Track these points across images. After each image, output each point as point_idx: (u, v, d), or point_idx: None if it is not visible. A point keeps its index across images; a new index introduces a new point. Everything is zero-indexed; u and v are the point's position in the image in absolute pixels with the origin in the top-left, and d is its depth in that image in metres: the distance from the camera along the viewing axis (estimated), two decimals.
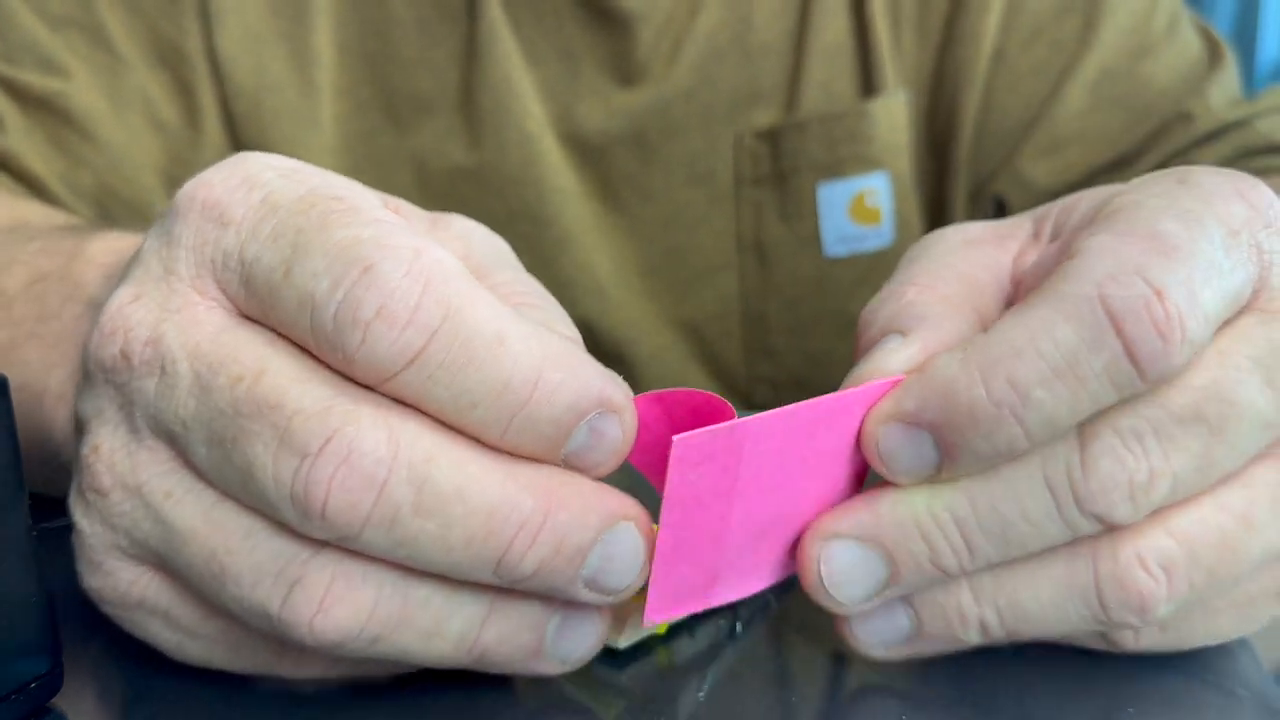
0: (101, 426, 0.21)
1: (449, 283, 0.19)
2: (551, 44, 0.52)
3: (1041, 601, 0.21)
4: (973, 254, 0.24)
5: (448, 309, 0.19)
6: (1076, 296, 0.19)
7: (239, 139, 0.50)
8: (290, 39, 0.50)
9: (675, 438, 0.19)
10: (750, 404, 0.55)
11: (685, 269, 0.54)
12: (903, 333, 0.22)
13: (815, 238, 0.53)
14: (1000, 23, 0.52)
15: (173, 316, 0.20)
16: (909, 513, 0.21)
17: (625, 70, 0.52)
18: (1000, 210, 0.53)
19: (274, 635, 0.20)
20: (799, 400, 0.21)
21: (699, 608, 0.23)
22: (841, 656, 0.25)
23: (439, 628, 0.20)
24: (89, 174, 0.48)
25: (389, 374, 0.19)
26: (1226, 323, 0.20)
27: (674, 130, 0.52)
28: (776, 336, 0.55)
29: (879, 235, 0.53)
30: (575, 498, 0.20)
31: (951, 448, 0.20)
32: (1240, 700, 0.23)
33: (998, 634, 0.22)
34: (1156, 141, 0.50)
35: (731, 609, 0.27)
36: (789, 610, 0.27)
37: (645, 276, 0.54)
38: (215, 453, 0.20)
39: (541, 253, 0.52)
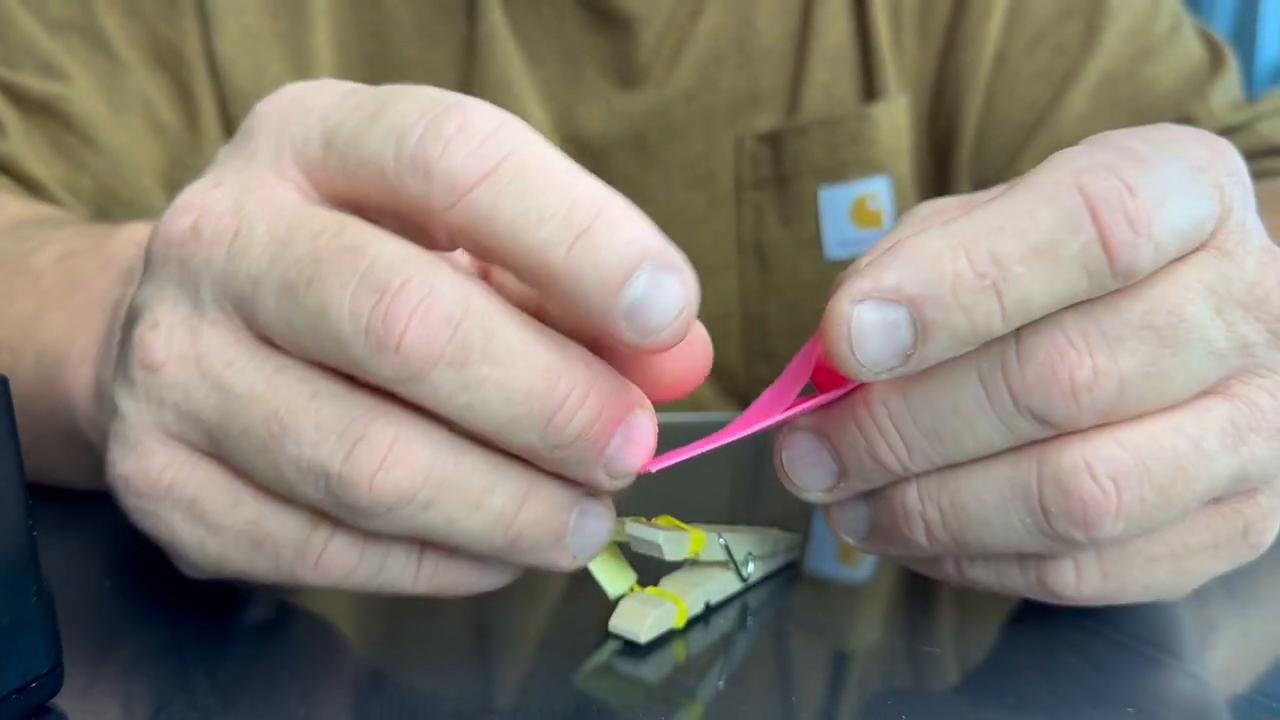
0: (160, 304, 0.22)
1: (526, 129, 0.20)
2: (552, 46, 0.52)
3: (984, 504, 0.21)
4: (935, 220, 0.24)
5: (522, 139, 0.20)
6: (1055, 183, 0.19)
7: None
8: (289, 40, 0.50)
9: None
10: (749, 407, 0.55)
11: None
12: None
13: (816, 241, 0.53)
14: (1002, 27, 0.52)
15: (252, 194, 0.21)
16: (847, 406, 0.22)
17: (626, 72, 0.52)
18: None
19: (327, 502, 0.20)
20: (795, 401, 0.22)
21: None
22: (842, 655, 0.25)
23: (483, 499, 0.21)
24: (89, 177, 0.48)
25: (465, 188, 0.19)
26: (1184, 258, 0.21)
27: (674, 132, 0.52)
28: (776, 339, 0.55)
29: (879, 239, 0.53)
30: (614, 376, 0.21)
31: (929, 325, 0.20)
32: (1238, 699, 0.23)
33: (941, 536, 0.22)
34: None
35: (742, 601, 0.27)
36: (790, 609, 0.27)
37: None
38: (286, 301, 0.20)
39: None
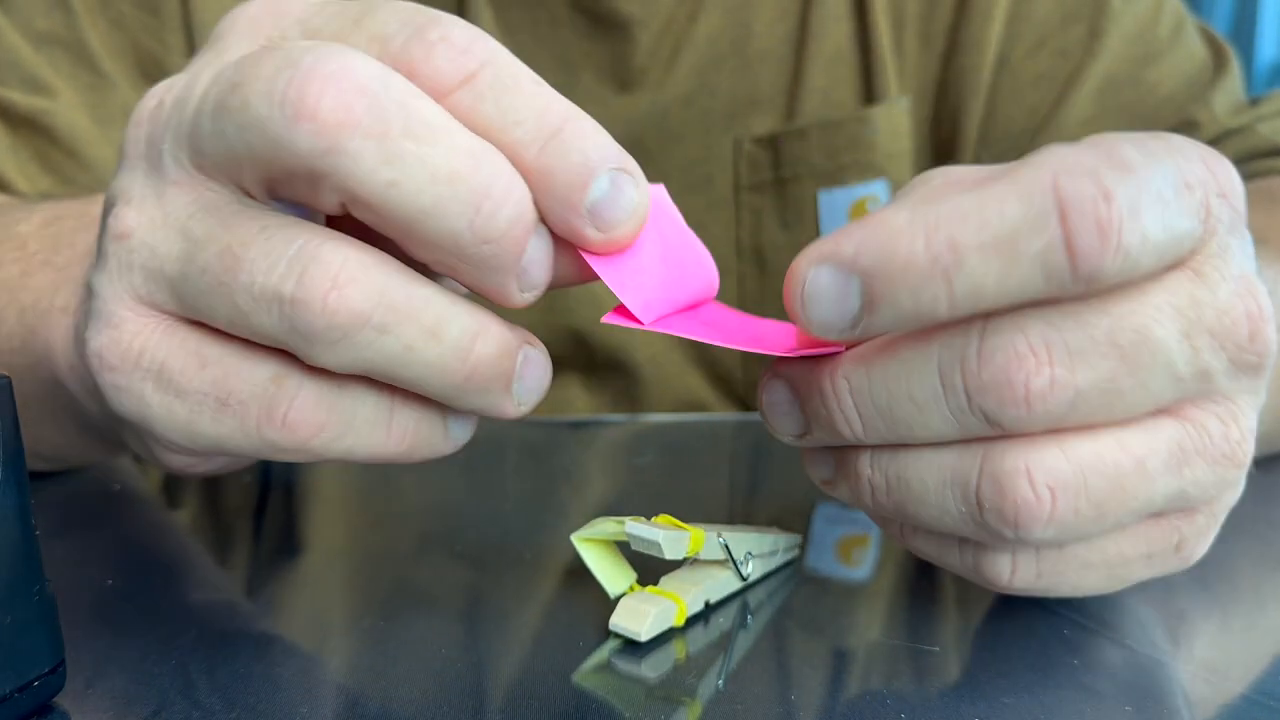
0: (132, 183, 0.23)
1: (498, 43, 0.22)
2: (548, 51, 0.52)
3: (925, 484, 0.22)
4: (948, 190, 0.24)
5: (496, 50, 0.21)
6: (1032, 179, 0.19)
7: None
8: None
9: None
10: (748, 409, 0.55)
11: None
12: None
13: None
14: (1004, 30, 0.52)
15: (209, 64, 0.22)
16: (815, 370, 0.22)
17: (623, 76, 0.52)
18: None
19: (282, 331, 0.21)
20: None
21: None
22: (842, 655, 0.25)
23: (440, 328, 0.21)
24: (74, 191, 0.49)
25: (446, 89, 0.21)
26: (1157, 276, 0.21)
27: (672, 136, 0.53)
28: None
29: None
30: (523, 184, 0.21)
31: (876, 298, 0.20)
32: (1237, 699, 0.23)
33: (884, 502, 0.23)
34: None
35: (741, 600, 0.27)
36: (790, 608, 0.27)
37: None
38: (219, 117, 0.21)
39: None
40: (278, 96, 0.20)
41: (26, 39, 0.48)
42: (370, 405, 0.23)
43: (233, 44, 0.23)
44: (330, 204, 0.21)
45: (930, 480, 0.22)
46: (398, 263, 0.21)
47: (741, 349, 0.23)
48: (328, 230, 0.21)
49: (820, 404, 0.22)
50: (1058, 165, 0.19)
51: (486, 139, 0.21)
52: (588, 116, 0.22)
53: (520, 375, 0.23)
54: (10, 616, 0.21)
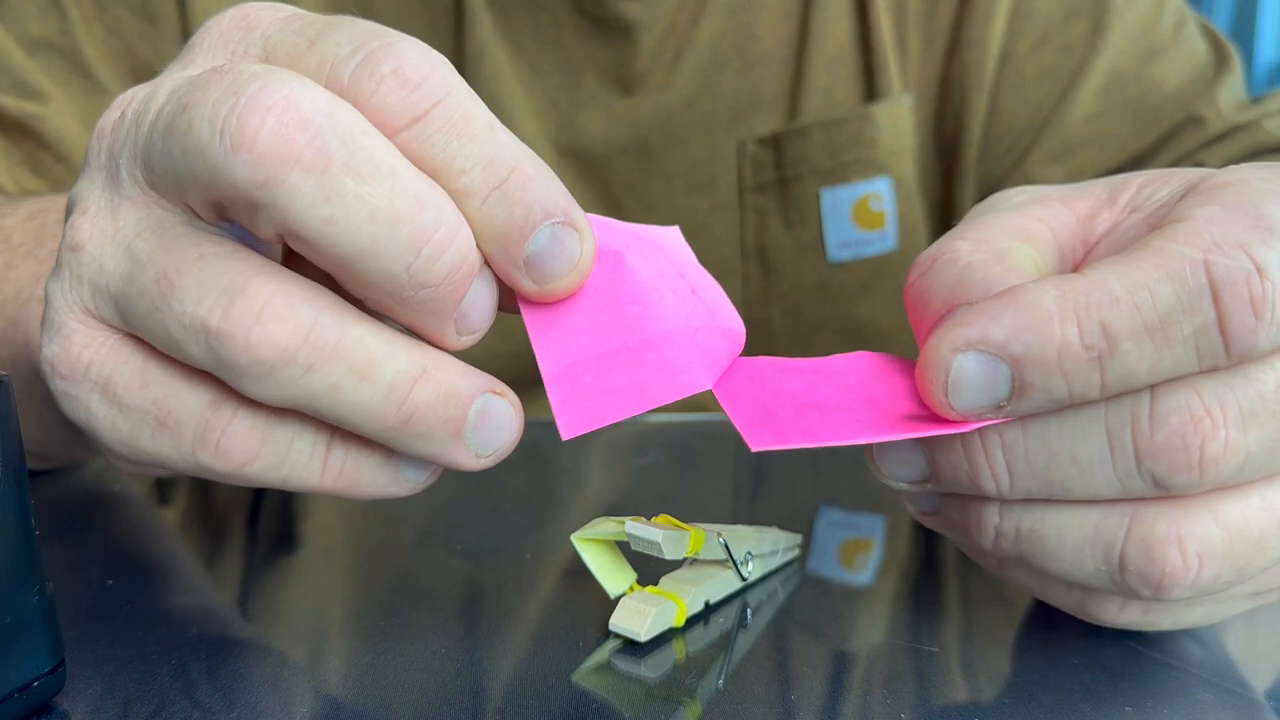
0: (91, 193, 0.23)
1: (454, 74, 0.21)
2: (551, 55, 0.52)
3: (1063, 540, 0.21)
4: (1034, 208, 0.24)
5: (451, 88, 0.20)
6: (1181, 256, 0.19)
7: None
8: None
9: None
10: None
11: None
12: (971, 304, 0.21)
13: (819, 243, 0.53)
14: (1007, 27, 0.51)
15: (172, 77, 0.22)
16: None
17: (626, 79, 0.52)
18: None
19: (209, 362, 0.20)
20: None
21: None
22: (842, 655, 0.25)
23: (372, 370, 0.21)
24: (64, 194, 0.49)
25: (394, 128, 0.20)
26: None
27: (676, 138, 0.52)
28: (779, 342, 0.55)
29: (882, 240, 0.53)
30: (468, 230, 0.21)
31: (1027, 385, 0.20)
32: (1237, 699, 0.23)
33: (1009, 549, 0.22)
34: (1166, 145, 0.50)
35: (741, 600, 0.27)
36: (790, 609, 0.27)
37: None
38: (168, 138, 0.20)
39: None
40: (219, 124, 0.19)
41: (20, 44, 0.49)
42: (307, 439, 0.22)
43: (199, 57, 0.23)
44: (268, 234, 0.20)
45: (1069, 537, 0.21)
46: (333, 298, 0.21)
47: (857, 441, 0.21)
48: (264, 263, 0.20)
49: (962, 458, 0.21)
50: (1207, 240, 0.19)
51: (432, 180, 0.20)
52: (538, 163, 0.21)
53: (476, 425, 0.22)
54: (10, 617, 0.21)
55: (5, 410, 0.21)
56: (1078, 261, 0.24)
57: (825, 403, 0.22)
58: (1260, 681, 0.24)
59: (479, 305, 0.22)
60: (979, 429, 0.21)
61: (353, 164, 0.19)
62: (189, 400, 0.22)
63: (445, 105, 0.20)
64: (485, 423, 0.22)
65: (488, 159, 0.20)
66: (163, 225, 0.22)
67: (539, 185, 0.21)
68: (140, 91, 0.23)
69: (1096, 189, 0.25)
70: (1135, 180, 0.24)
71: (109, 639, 0.26)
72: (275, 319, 0.20)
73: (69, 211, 0.23)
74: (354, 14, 0.23)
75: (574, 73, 0.52)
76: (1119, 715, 0.22)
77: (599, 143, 0.52)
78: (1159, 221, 0.22)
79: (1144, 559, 0.20)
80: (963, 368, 0.20)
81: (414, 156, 0.20)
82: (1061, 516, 0.21)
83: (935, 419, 0.21)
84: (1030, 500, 0.21)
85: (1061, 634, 0.26)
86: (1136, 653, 0.25)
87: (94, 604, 0.28)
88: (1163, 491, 0.20)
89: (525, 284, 0.21)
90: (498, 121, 0.21)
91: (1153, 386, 0.20)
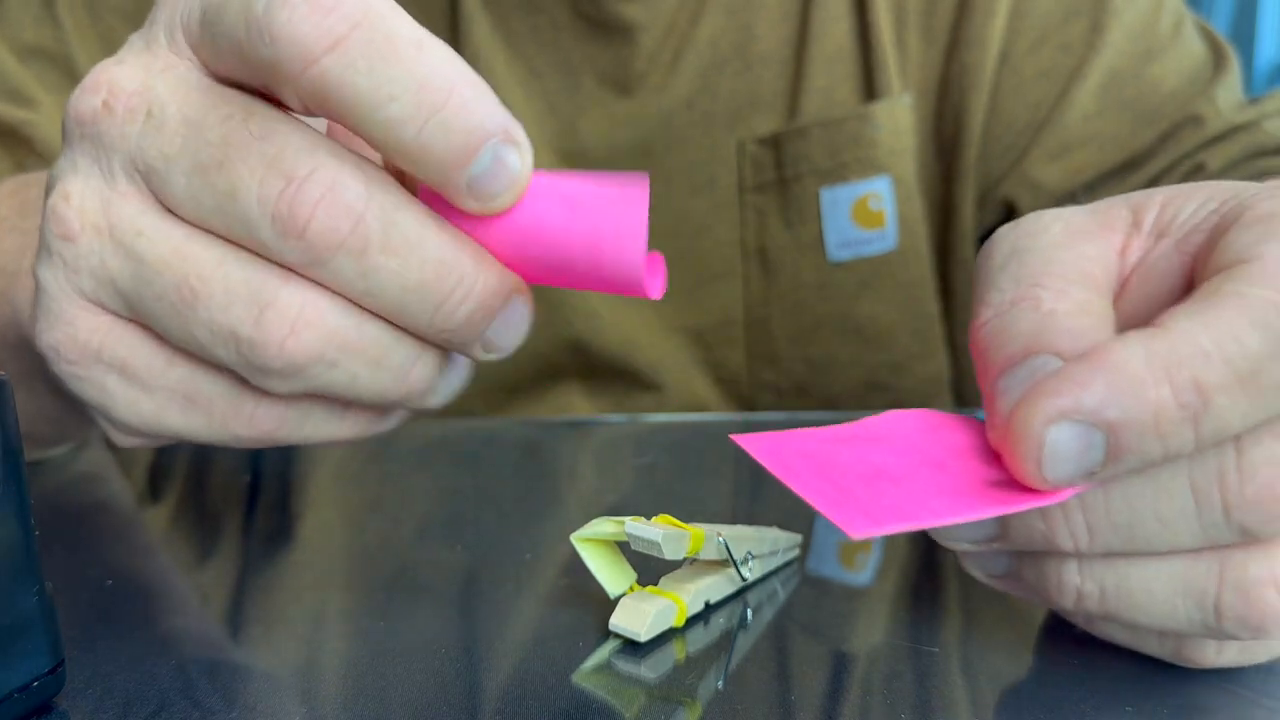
0: (74, 176, 0.23)
1: None
2: (550, 58, 0.52)
3: (1153, 594, 0.21)
4: (1084, 247, 0.23)
5: (368, 7, 0.20)
6: (1264, 301, 0.19)
7: None
8: None
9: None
10: (753, 410, 0.55)
11: (689, 277, 0.54)
12: (1058, 354, 0.21)
13: (818, 242, 0.53)
14: (1006, 26, 0.51)
15: (160, 74, 0.22)
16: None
17: (625, 81, 0.52)
18: (1009, 213, 0.53)
19: (238, 364, 0.22)
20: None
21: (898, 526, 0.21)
22: (842, 655, 0.25)
23: (383, 359, 0.22)
24: None
25: (312, 57, 0.20)
26: None
27: (676, 139, 0.52)
28: (780, 343, 0.55)
29: (882, 239, 0.53)
30: (496, 267, 0.22)
31: (1121, 449, 0.19)
32: (1237, 698, 0.23)
33: (1094, 609, 0.22)
34: (1165, 144, 0.50)
35: (741, 600, 0.27)
36: (791, 609, 0.27)
37: None
38: (196, 181, 0.21)
39: None
40: (269, 209, 0.20)
41: (13, 51, 0.49)
42: (326, 402, 0.24)
43: (161, 26, 0.23)
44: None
45: (1158, 590, 0.21)
46: (348, 304, 0.22)
47: (961, 519, 0.20)
48: (285, 271, 0.21)
49: (1039, 518, 0.21)
50: None
51: (359, 113, 0.20)
52: (471, 79, 0.21)
53: (445, 382, 0.24)
54: (9, 617, 0.21)
55: (5, 410, 0.21)
56: (1115, 295, 0.23)
57: (890, 472, 0.21)
58: (1260, 681, 0.24)
59: (503, 333, 0.23)
60: None
61: (389, 243, 0.21)
62: (219, 378, 0.23)
63: (364, 28, 0.20)
64: (450, 378, 0.24)
65: (419, 83, 0.20)
66: (166, 226, 0.22)
67: (478, 107, 0.20)
68: (123, 78, 0.22)
69: (1121, 213, 0.24)
70: (1156, 199, 0.24)
71: (109, 639, 0.26)
72: (308, 328, 0.21)
73: (49, 190, 0.23)
74: None
75: (573, 75, 0.52)
76: (1119, 715, 0.22)
77: (599, 145, 0.52)
78: (1194, 247, 0.22)
79: (1241, 604, 0.20)
80: (1058, 440, 0.19)
81: (337, 85, 0.20)
82: (1147, 570, 0.21)
83: (1019, 486, 0.20)
84: (1110, 555, 0.21)
85: (1061, 634, 0.26)
86: (1136, 653, 0.25)
87: (94, 604, 0.28)
88: (1250, 539, 0.20)
89: (469, 205, 0.21)
90: (428, 37, 0.20)
91: (1236, 438, 0.19)
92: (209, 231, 0.22)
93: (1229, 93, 0.50)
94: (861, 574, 0.31)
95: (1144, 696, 0.23)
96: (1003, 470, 0.21)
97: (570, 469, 0.41)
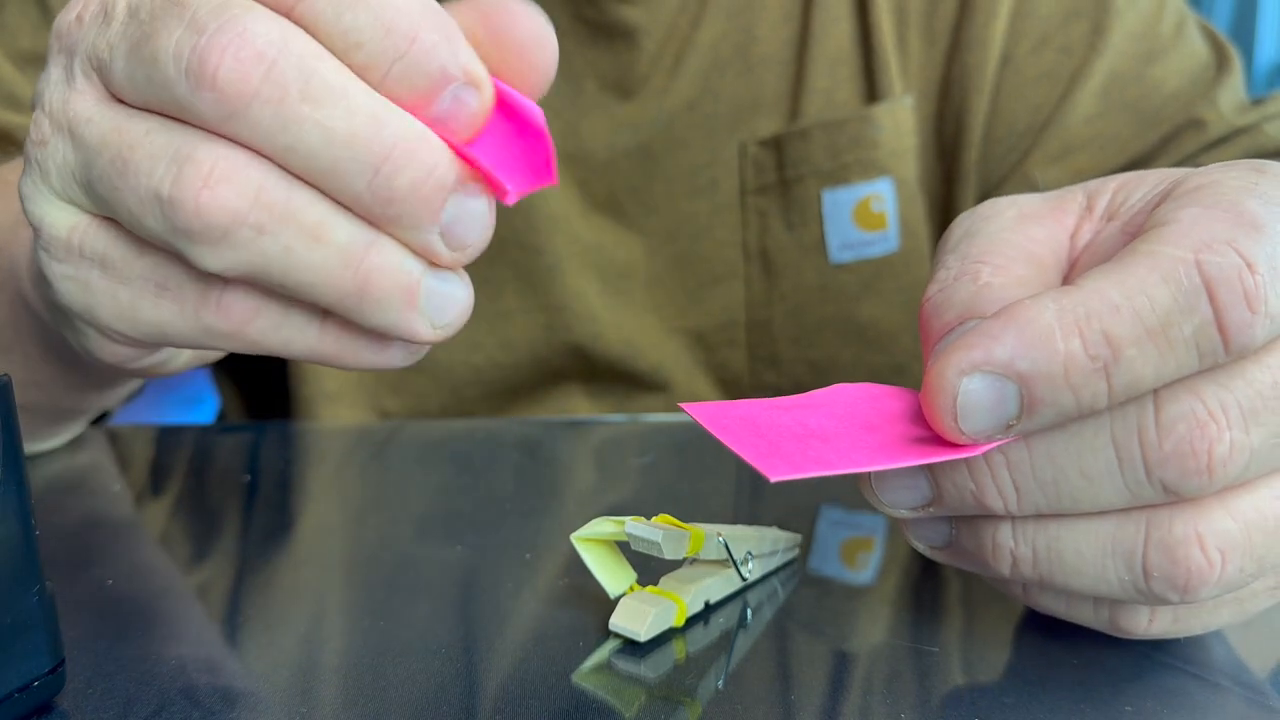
0: (47, 88, 0.24)
1: None
2: None
3: (1082, 555, 0.21)
4: (1033, 229, 0.24)
5: None
6: (1173, 259, 0.19)
7: None
8: None
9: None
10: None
11: (691, 279, 0.54)
12: (983, 317, 0.21)
13: (820, 244, 0.53)
14: (1007, 28, 0.51)
15: None
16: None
17: (627, 84, 0.52)
18: None
19: (165, 231, 0.21)
20: None
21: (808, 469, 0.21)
22: (842, 655, 0.25)
23: (324, 232, 0.21)
24: None
25: (288, 6, 0.20)
26: None
27: (677, 142, 0.52)
28: (782, 345, 0.55)
29: (884, 241, 0.53)
30: (445, 145, 0.21)
31: (1036, 402, 0.19)
32: (1237, 698, 0.23)
33: (1028, 572, 0.22)
34: (1167, 147, 0.50)
35: (741, 600, 0.27)
36: (791, 609, 0.27)
37: (650, 288, 0.54)
38: (132, 60, 0.21)
39: (532, 279, 0.52)
40: (183, 64, 0.20)
41: (10, 58, 0.49)
42: (302, 305, 0.23)
43: None
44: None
45: (1088, 551, 0.21)
46: (271, 162, 0.21)
47: (874, 468, 0.21)
48: (209, 133, 0.21)
49: (968, 478, 0.21)
50: (1195, 240, 0.19)
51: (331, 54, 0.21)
52: (437, 19, 0.21)
53: (430, 291, 0.22)
54: (10, 617, 0.21)
55: (5, 410, 0.21)
56: (1065, 277, 0.24)
57: (823, 432, 0.22)
58: (1259, 681, 0.24)
59: (465, 221, 0.21)
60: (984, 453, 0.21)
61: (308, 90, 0.20)
62: (186, 264, 0.22)
63: None
64: (438, 289, 0.22)
65: (385, 28, 0.20)
66: (111, 111, 0.22)
67: (441, 50, 0.21)
68: None
69: (1076, 197, 0.25)
70: (1110, 185, 0.25)
71: (109, 639, 0.26)
72: (223, 180, 0.20)
73: (32, 108, 0.24)
74: None
75: (574, 79, 0.52)
76: (1119, 715, 0.22)
77: (601, 148, 0.52)
78: (1136, 229, 0.22)
79: (1167, 562, 0.20)
80: (970, 391, 0.20)
81: (310, 30, 0.21)
82: (1076, 531, 0.21)
83: (942, 443, 0.21)
84: (1041, 517, 0.21)
85: (1061, 634, 0.26)
86: (1136, 653, 0.25)
87: (94, 604, 0.28)
88: (1173, 497, 0.20)
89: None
90: None
91: (1155, 393, 0.20)
92: (147, 110, 0.22)
93: (1231, 94, 0.50)
94: (861, 574, 0.31)
95: (1144, 696, 0.23)
96: (930, 431, 0.21)
97: (570, 469, 0.41)
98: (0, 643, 0.21)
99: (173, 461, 0.42)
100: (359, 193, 0.21)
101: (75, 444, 0.43)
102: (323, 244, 0.21)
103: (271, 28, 0.20)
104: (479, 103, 0.21)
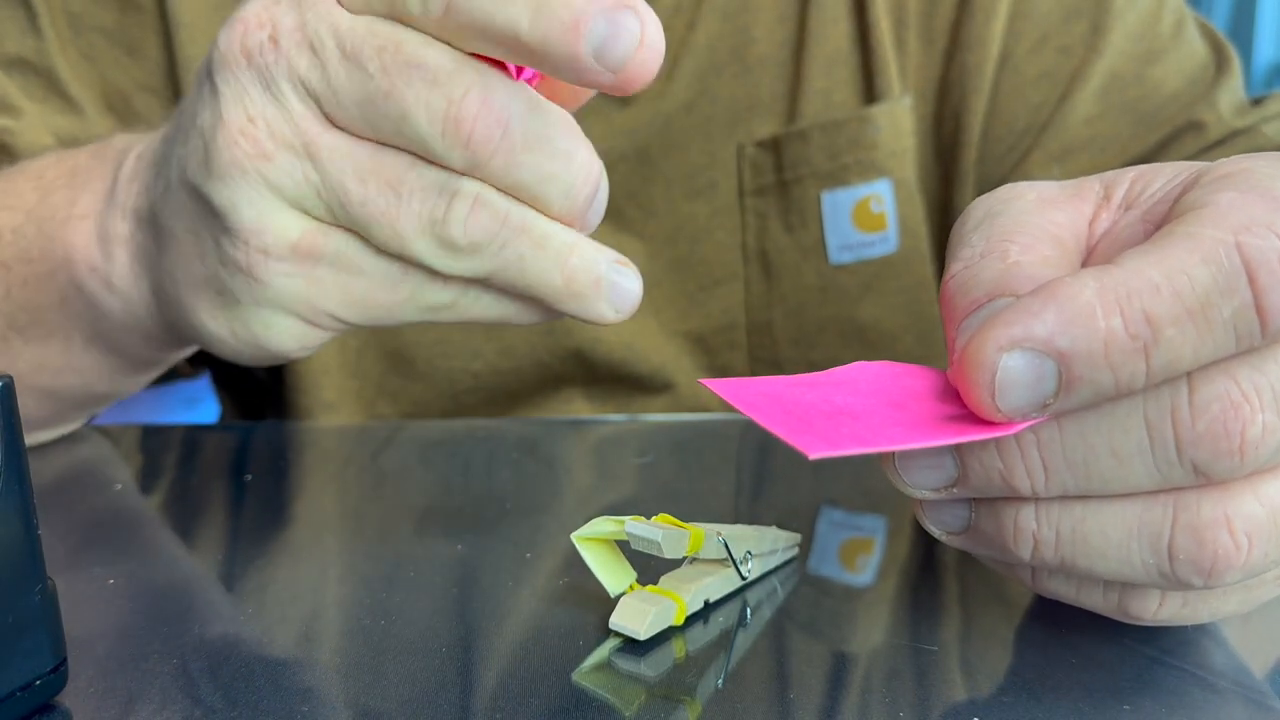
0: (250, 102, 0.26)
1: None
2: None
3: (1107, 537, 0.21)
4: (1053, 213, 0.24)
5: None
6: (1214, 240, 0.19)
7: None
8: None
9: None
10: None
11: (691, 282, 0.54)
12: (1015, 296, 0.21)
13: (820, 246, 0.53)
14: (1006, 28, 0.51)
15: (310, 10, 0.25)
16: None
17: None
18: None
19: (435, 246, 0.26)
20: None
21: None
22: (842, 655, 0.25)
23: (545, 240, 0.27)
24: None
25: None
26: None
27: (675, 144, 0.52)
28: (782, 346, 0.55)
29: (884, 242, 0.53)
30: (595, 158, 0.28)
31: (1075, 380, 0.19)
32: (1237, 698, 0.23)
33: (1049, 556, 0.22)
34: (1166, 149, 0.50)
35: (741, 599, 0.27)
36: (790, 608, 0.27)
37: (650, 291, 0.54)
38: (369, 110, 0.25)
39: None
40: (439, 126, 0.24)
41: None
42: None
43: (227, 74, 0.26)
44: None
45: (1113, 533, 0.21)
46: (508, 198, 0.26)
47: (912, 446, 0.20)
48: (457, 171, 0.25)
49: (996, 458, 0.21)
50: (1234, 223, 0.19)
51: (484, 25, 0.23)
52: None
53: (612, 284, 0.28)
54: (12, 615, 0.21)
55: (7, 410, 0.21)
56: (1083, 263, 0.24)
57: (851, 410, 0.22)
58: (1257, 680, 0.24)
59: (599, 206, 0.28)
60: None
61: (528, 143, 0.25)
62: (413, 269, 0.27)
63: None
64: (618, 282, 0.28)
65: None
66: (352, 142, 0.25)
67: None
68: (282, 17, 0.25)
69: (1093, 186, 0.25)
70: (1128, 175, 0.25)
71: (110, 638, 0.26)
72: (484, 208, 0.26)
73: (214, 118, 0.26)
74: None
75: None
76: (1118, 714, 0.22)
77: (600, 152, 0.52)
78: (1158, 217, 0.22)
79: (1194, 545, 0.20)
80: (1009, 368, 0.20)
81: (466, 12, 0.23)
82: (1102, 513, 0.21)
83: (974, 421, 0.21)
84: (1066, 499, 0.21)
85: (1060, 633, 0.26)
86: (1135, 652, 0.25)
87: (96, 603, 0.28)
88: (1202, 479, 0.20)
89: (605, 78, 0.23)
90: None
91: (1189, 374, 0.20)
92: (378, 141, 0.25)
93: (1230, 94, 0.50)
94: (861, 573, 0.31)
95: (1143, 696, 0.23)
96: (962, 408, 0.21)
97: (570, 469, 0.41)
98: (2, 641, 0.21)
99: (174, 460, 0.42)
100: (562, 207, 0.26)
101: (77, 442, 0.43)
102: (544, 249, 0.26)
103: (505, 93, 0.25)
104: (639, 23, 0.23)
